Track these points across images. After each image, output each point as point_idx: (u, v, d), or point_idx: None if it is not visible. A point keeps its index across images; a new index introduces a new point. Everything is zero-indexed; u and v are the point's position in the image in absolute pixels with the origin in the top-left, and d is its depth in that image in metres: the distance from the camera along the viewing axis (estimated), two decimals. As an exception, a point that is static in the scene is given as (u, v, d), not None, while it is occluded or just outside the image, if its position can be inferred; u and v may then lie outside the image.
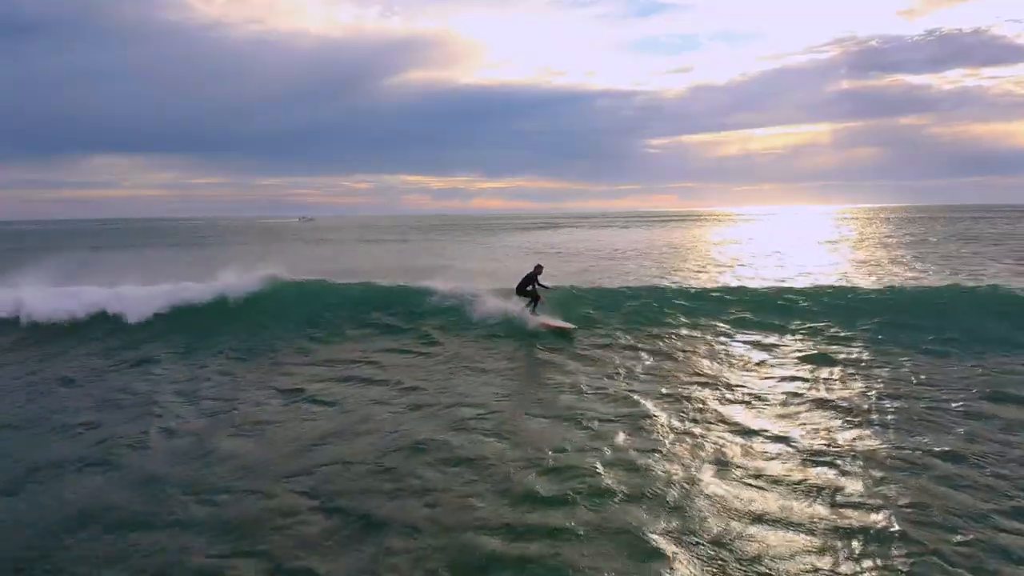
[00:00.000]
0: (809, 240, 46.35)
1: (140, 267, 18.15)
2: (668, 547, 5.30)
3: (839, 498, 6.15)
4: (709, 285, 19.53)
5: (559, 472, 6.78)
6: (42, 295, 14.13)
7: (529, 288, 13.50)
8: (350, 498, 6.28)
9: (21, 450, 7.69)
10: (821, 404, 8.98)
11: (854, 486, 6.41)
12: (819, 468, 6.84)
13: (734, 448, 7.41)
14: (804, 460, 7.06)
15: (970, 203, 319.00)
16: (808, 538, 5.46)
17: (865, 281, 20.15)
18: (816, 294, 15.81)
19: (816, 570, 5.00)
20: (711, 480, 6.58)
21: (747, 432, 7.92)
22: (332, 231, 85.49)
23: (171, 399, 9.70)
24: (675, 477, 6.63)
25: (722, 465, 6.94)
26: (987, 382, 9.82)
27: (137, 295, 14.68)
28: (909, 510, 5.90)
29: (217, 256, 18.44)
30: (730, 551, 5.25)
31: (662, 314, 14.64)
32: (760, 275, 23.66)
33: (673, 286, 18.44)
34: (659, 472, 6.76)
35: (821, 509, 5.96)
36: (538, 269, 13.67)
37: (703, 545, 5.35)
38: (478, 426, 8.26)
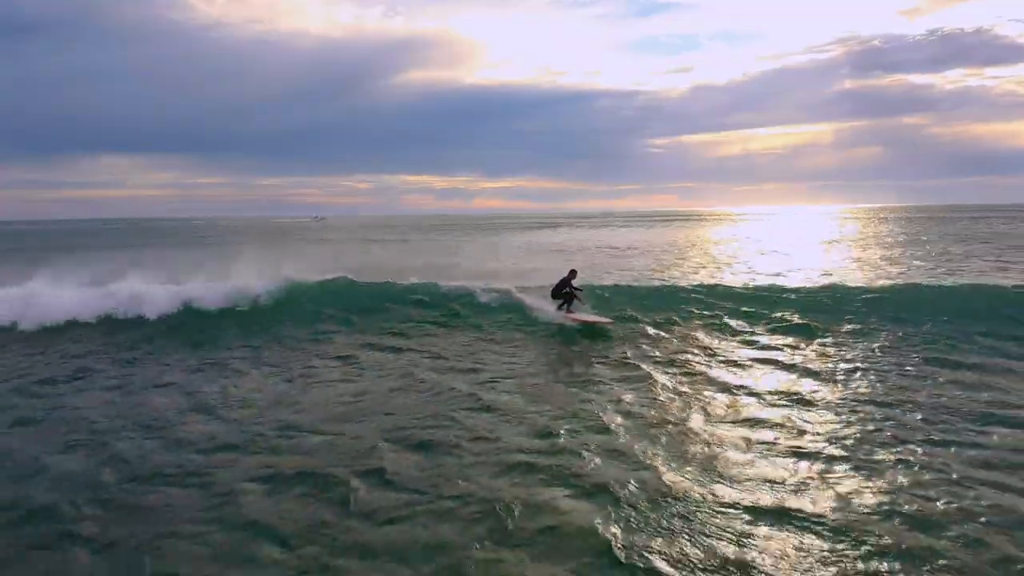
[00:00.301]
0: (806, 240, 47.81)
1: (163, 267, 19.44)
2: (656, 463, 6.87)
3: (791, 431, 7.77)
4: (706, 277, 21.16)
5: (569, 417, 8.39)
6: (104, 292, 15.67)
7: (565, 291, 14.51)
8: (403, 431, 7.92)
9: (134, 403, 9.40)
10: (792, 367, 10.68)
11: (804, 424, 8.01)
12: (779, 412, 8.46)
13: (715, 400, 9.04)
14: (769, 406, 8.70)
15: (970, 203, 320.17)
16: (764, 458, 7.03)
17: (853, 276, 21.72)
18: (805, 285, 17.48)
19: (765, 479, 6.55)
20: (694, 421, 8.17)
21: (727, 388, 9.60)
22: (346, 231, 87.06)
23: (240, 365, 11.48)
24: (665, 419, 8.24)
25: (704, 412, 8.55)
26: (936, 350, 11.50)
27: (182, 290, 16.08)
28: (843, 439, 7.50)
29: (244, 256, 19.92)
30: (704, 467, 6.81)
31: (661, 299, 16.17)
32: (755, 270, 25.24)
33: (672, 279, 20.06)
34: (652, 416, 8.37)
35: (777, 439, 7.55)
36: (572, 274, 14.63)
37: (683, 462, 6.92)
38: (499, 385, 9.91)
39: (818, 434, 7.71)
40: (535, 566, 5.07)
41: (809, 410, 8.57)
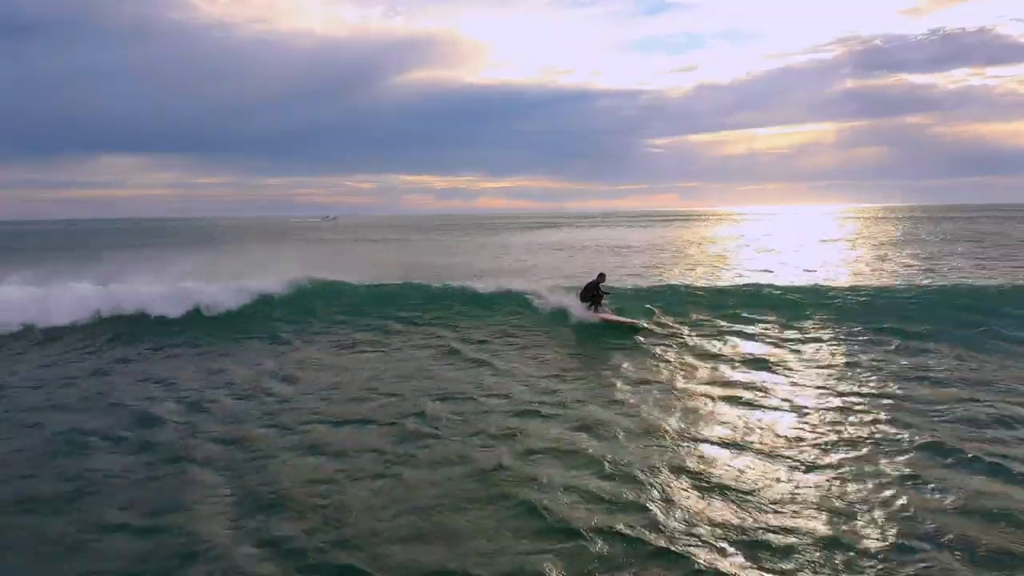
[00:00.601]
0: (804, 239, 49.26)
1: (190, 266, 20.91)
2: (643, 411, 8.63)
3: (754, 389, 9.54)
4: (701, 272, 22.91)
5: (572, 381, 10.18)
6: (157, 292, 17.25)
7: (592, 294, 15.31)
8: (431, 389, 9.79)
9: (209, 371, 11.35)
10: (766, 339, 12.56)
11: (763, 383, 9.80)
12: (746, 375, 10.28)
13: (697, 366, 10.90)
14: (738, 371, 10.53)
15: (971, 203, 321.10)
16: (729, 408, 8.80)
17: (837, 272, 23.44)
18: (790, 278, 19.22)
19: (727, 422, 8.29)
20: (677, 382, 9.98)
21: (708, 356, 11.48)
22: (352, 230, 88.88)
23: (288, 339, 13.65)
24: (653, 380, 10.08)
25: (686, 375, 10.37)
26: (892, 322, 13.34)
27: (228, 288, 17.60)
28: (791, 392, 9.29)
29: (272, 257, 21.64)
30: (681, 415, 8.55)
31: (658, 289, 17.81)
32: (746, 265, 26.94)
33: (668, 274, 21.83)
34: (642, 378, 10.21)
35: (741, 394, 9.32)
36: (601, 277, 15.54)
37: (665, 411, 8.67)
38: (511, 356, 11.79)
39: (772, 390, 9.48)
40: (540, 471, 6.81)
41: (769, 372, 10.41)
